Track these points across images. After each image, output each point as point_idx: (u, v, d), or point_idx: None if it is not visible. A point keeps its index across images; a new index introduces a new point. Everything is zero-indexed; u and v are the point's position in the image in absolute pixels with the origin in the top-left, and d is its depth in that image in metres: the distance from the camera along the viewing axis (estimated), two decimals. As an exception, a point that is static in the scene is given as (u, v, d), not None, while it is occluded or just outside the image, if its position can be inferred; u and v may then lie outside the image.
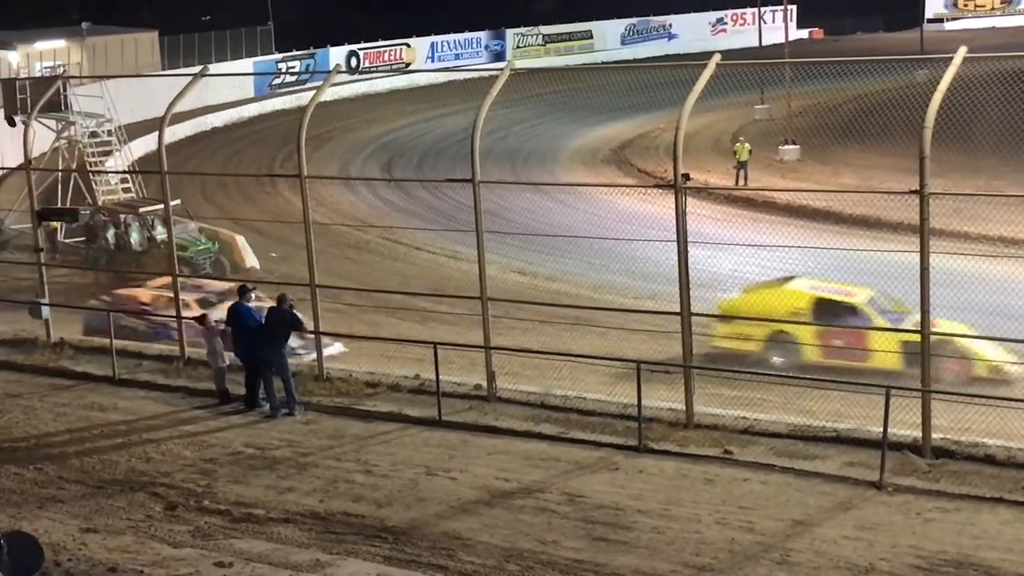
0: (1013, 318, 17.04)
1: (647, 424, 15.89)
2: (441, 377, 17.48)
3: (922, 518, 13.18)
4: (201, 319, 19.12)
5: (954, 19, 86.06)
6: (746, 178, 37.82)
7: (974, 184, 28.46)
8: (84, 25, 55.00)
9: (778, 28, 59.13)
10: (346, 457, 15.90)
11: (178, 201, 26.45)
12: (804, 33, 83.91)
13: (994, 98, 25.61)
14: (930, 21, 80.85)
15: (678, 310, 16.33)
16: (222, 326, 18.61)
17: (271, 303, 18.73)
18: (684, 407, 16.25)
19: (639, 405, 15.81)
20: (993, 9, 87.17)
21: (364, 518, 13.74)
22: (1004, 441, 14.78)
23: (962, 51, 14.91)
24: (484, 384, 17.86)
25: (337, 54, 67.77)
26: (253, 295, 18.83)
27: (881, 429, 14.36)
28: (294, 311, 18.13)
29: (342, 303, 22.28)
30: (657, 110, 42.83)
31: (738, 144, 39.25)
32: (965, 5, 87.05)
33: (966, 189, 22.05)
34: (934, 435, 14.82)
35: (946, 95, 14.65)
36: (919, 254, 14.60)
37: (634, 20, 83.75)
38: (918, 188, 14.56)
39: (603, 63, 73.95)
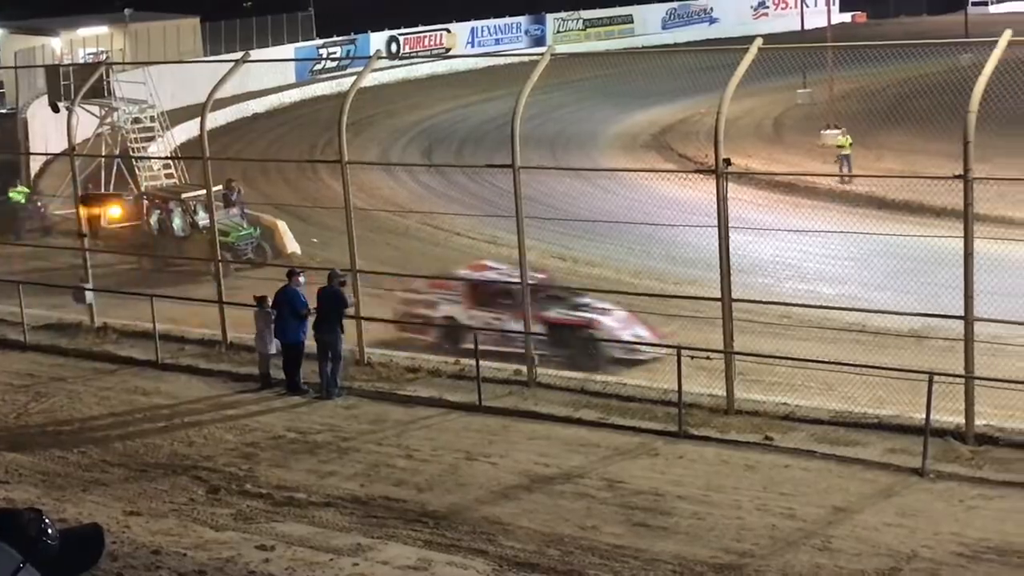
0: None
1: (687, 410, 15.86)
2: (481, 363, 17.52)
3: (965, 505, 13.09)
4: (260, 301, 18.96)
5: (999, 2, 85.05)
6: (850, 168, 36.55)
7: (1019, 169, 28.09)
8: (126, 11, 55.20)
9: (820, 12, 58.71)
10: (387, 442, 15.96)
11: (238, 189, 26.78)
12: (847, 17, 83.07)
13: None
14: (974, 4, 79.66)
15: (719, 296, 16.29)
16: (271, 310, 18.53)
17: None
18: (724, 393, 16.21)
19: (679, 391, 15.78)
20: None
21: (405, 502, 13.80)
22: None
23: (1007, 34, 14.77)
24: (524, 370, 17.88)
25: (377, 39, 67.73)
26: (302, 278, 18.77)
27: (923, 416, 14.28)
28: (343, 289, 18.15)
29: (383, 288, 22.33)
30: (698, 95, 42.53)
31: (840, 136, 38.62)
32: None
33: (1011, 174, 21.76)
34: (977, 422, 14.72)
35: (991, 79, 14.53)
36: (963, 239, 14.50)
37: (675, 4, 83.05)
38: (962, 173, 14.45)
39: (644, 48, 73.46)
